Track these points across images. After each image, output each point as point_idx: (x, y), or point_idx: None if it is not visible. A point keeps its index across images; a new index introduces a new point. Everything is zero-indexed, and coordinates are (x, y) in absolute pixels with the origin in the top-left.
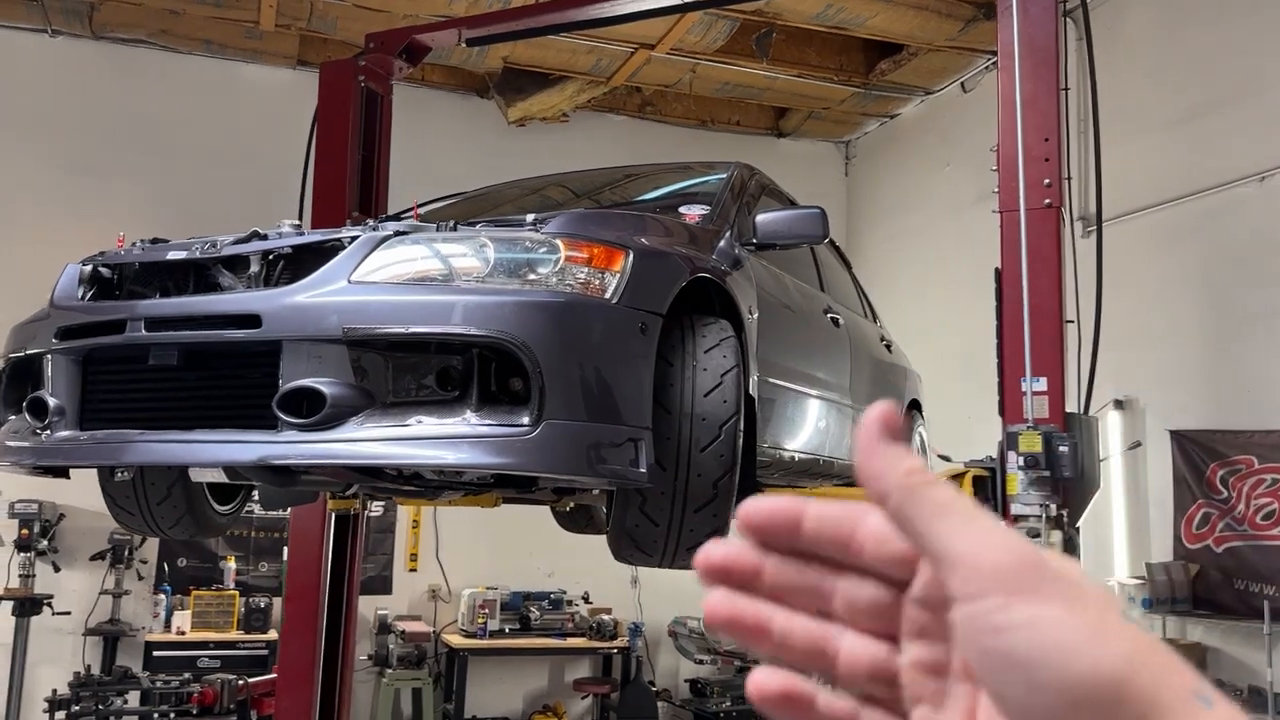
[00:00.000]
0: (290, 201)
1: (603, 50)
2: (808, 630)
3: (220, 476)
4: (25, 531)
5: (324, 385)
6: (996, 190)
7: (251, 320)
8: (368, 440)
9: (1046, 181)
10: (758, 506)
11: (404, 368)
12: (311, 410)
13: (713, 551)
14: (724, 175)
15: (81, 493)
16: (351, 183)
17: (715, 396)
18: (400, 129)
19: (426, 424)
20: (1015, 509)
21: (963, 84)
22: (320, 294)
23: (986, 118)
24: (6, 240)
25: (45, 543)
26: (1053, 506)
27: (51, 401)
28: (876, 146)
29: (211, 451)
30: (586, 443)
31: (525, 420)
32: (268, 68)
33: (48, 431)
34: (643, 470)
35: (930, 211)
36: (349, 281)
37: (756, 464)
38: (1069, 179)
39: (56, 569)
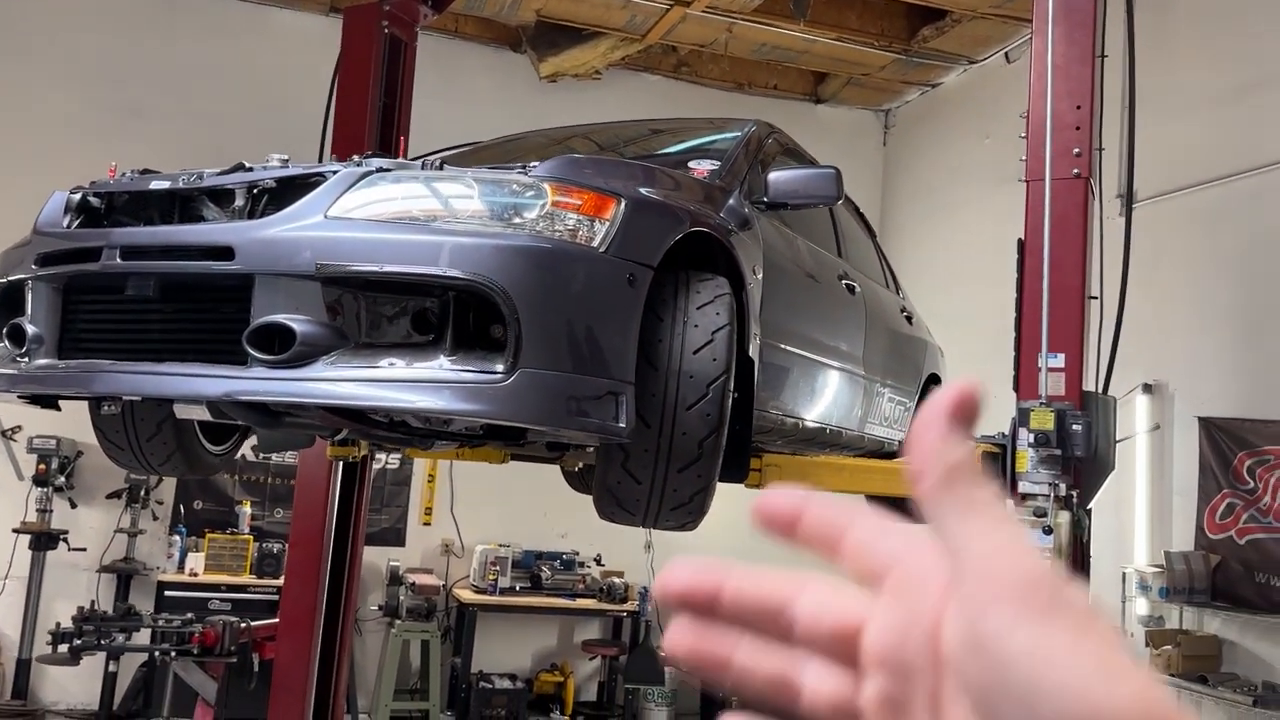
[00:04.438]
0: (314, 149)
1: (637, 6)
2: (771, 662)
3: (204, 414)
4: (43, 467)
5: (295, 322)
6: (1024, 159)
7: (224, 252)
8: (337, 380)
9: (1076, 151)
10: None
11: (378, 308)
12: (282, 347)
13: (670, 580)
14: (739, 133)
15: None
16: (372, 130)
17: (705, 354)
18: (431, 81)
19: (398, 367)
20: (1023, 487)
21: (1007, 54)
22: (295, 228)
23: None
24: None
25: (63, 479)
26: (1062, 486)
27: (30, 329)
28: (916, 116)
29: (178, 384)
30: (564, 394)
31: (500, 368)
32: (301, 14)
33: (26, 359)
34: (622, 425)
35: (969, 184)
36: (325, 217)
37: (753, 428)
38: (1101, 150)
39: (73, 505)
